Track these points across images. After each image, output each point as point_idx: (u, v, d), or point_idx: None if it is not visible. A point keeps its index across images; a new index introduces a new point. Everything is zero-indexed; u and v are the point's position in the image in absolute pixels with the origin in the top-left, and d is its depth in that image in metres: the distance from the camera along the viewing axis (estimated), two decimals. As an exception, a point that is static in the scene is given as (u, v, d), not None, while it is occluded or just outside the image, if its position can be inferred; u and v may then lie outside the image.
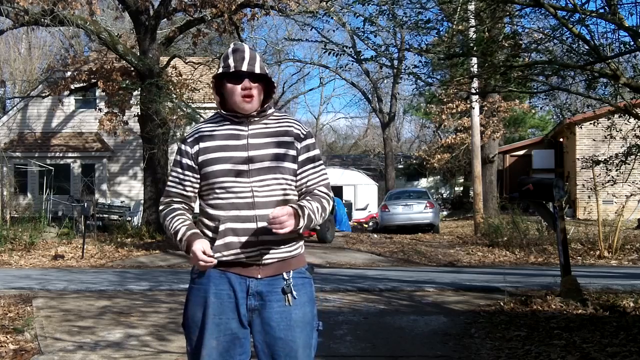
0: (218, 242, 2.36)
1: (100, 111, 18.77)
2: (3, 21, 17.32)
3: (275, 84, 2.57)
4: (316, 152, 2.52)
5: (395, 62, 20.13)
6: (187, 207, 2.50)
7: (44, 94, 20.96)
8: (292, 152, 2.44)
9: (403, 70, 9.11)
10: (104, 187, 23.42)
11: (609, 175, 10.47)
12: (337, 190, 24.97)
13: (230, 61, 2.40)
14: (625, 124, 9.93)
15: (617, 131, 9.93)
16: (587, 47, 6.15)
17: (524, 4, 6.18)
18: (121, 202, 23.19)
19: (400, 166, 35.14)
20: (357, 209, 26.48)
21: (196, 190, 2.49)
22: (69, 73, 19.16)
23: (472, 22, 8.09)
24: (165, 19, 18.49)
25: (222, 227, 2.36)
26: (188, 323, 2.44)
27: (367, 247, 15.38)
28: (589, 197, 18.93)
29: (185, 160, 2.46)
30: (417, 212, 19.44)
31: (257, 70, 2.40)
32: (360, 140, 49.56)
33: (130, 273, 11.09)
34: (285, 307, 2.39)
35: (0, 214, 17.64)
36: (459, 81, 8.96)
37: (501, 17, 7.62)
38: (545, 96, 10.16)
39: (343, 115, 71.31)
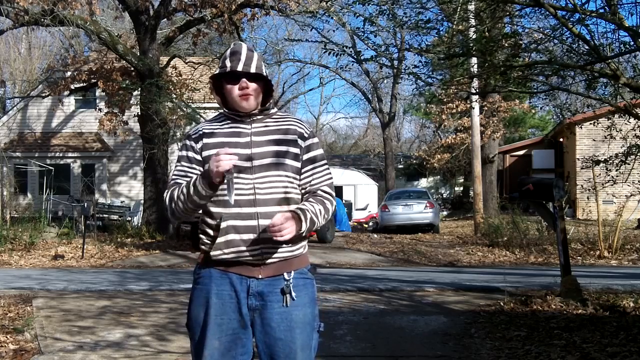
0: (219, 240, 2.35)
1: (100, 111, 18.78)
2: (3, 21, 17.33)
3: (272, 82, 2.58)
4: (320, 151, 2.52)
5: (395, 62, 20.14)
6: None
7: (44, 94, 20.97)
8: (295, 150, 2.44)
9: (403, 70, 9.11)
10: (104, 187, 23.42)
11: (608, 175, 10.47)
12: (337, 190, 24.91)
13: (227, 62, 2.42)
14: (625, 124, 9.93)
15: (617, 131, 9.94)
16: (587, 47, 6.15)
17: (524, 4, 6.18)
18: (121, 202, 23.19)
19: (400, 166, 35.14)
20: (357, 209, 26.48)
21: None
22: (69, 73, 19.18)
23: (472, 22, 8.10)
24: (165, 19, 18.50)
25: (223, 225, 2.35)
26: (191, 323, 2.45)
27: (367, 247, 15.38)
28: (587, 197, 18.93)
29: (192, 154, 2.46)
30: (417, 212, 19.44)
31: (253, 69, 2.40)
32: (360, 140, 49.57)
33: (130, 273, 11.09)
34: (286, 307, 2.39)
35: (0, 214, 17.65)
36: (459, 81, 8.96)
37: (501, 17, 7.62)
38: (545, 96, 10.17)
39: (343, 115, 71.45)
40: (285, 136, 2.45)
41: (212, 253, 2.38)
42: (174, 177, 2.49)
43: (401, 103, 37.09)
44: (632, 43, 5.89)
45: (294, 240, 2.39)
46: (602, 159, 10.13)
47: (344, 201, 23.40)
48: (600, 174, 11.72)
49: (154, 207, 17.38)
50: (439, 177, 34.56)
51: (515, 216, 15.01)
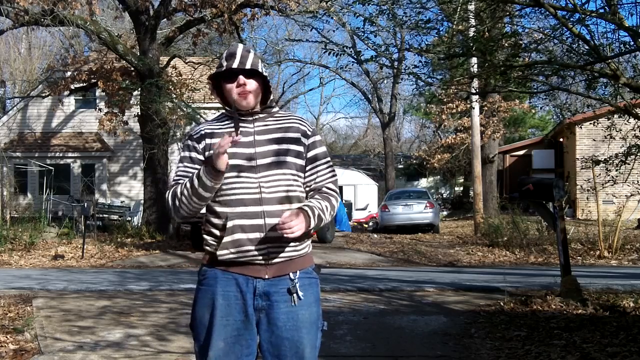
0: (226, 239, 2.35)
1: (100, 111, 18.78)
2: (3, 21, 17.33)
3: (272, 82, 2.57)
4: (323, 149, 2.53)
5: (395, 62, 20.14)
6: None
7: (44, 94, 20.98)
8: (299, 148, 2.44)
9: (403, 70, 9.12)
10: (104, 187, 23.42)
11: (608, 175, 10.47)
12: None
13: (224, 62, 2.43)
14: (625, 124, 9.93)
15: (617, 131, 9.94)
16: (587, 47, 6.15)
17: (524, 4, 6.18)
18: (121, 202, 23.19)
19: (400, 166, 35.14)
20: (357, 209, 26.48)
21: None
22: (69, 73, 19.17)
23: (472, 22, 8.10)
24: (165, 19, 18.49)
25: (229, 224, 2.34)
26: (196, 324, 2.44)
27: (367, 247, 15.38)
28: (587, 198, 18.93)
29: (194, 155, 2.46)
30: (417, 212, 19.44)
31: (248, 66, 2.41)
32: (360, 140, 49.55)
33: (130, 273, 11.09)
34: (293, 307, 2.39)
35: (0, 214, 17.65)
36: (459, 81, 8.96)
37: (501, 17, 7.62)
38: (545, 96, 10.17)
39: (343, 115, 71.41)
40: (289, 134, 2.45)
41: (218, 253, 2.37)
42: (176, 177, 2.47)
43: (401, 103, 37.10)
44: (632, 43, 5.89)
45: (301, 238, 2.38)
46: (602, 159, 10.14)
47: (344, 201, 23.39)
48: (600, 174, 11.71)
49: (154, 207, 17.38)
50: (439, 177, 34.56)
51: (515, 216, 15.01)
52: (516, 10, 7.25)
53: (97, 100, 22.19)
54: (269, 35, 36.75)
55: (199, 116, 18.04)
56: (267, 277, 2.39)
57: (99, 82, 17.50)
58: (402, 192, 22.45)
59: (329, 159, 2.54)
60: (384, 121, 31.39)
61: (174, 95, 17.50)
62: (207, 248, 2.44)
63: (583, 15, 5.66)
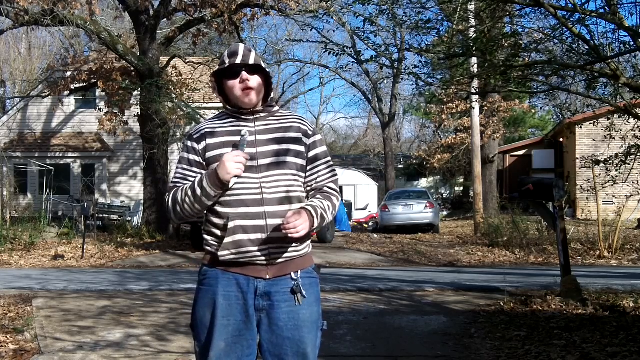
0: (227, 240, 2.34)
1: (100, 111, 18.78)
2: (3, 21, 17.33)
3: (272, 82, 2.58)
4: (324, 148, 2.52)
5: (395, 62, 20.14)
6: None
7: (44, 94, 20.97)
8: (300, 148, 2.44)
9: (403, 71, 9.12)
10: (104, 187, 23.42)
11: (608, 175, 10.46)
12: (337, 190, 24.93)
13: (226, 59, 2.43)
14: (625, 124, 9.92)
15: (616, 131, 9.93)
16: (587, 47, 6.15)
17: (524, 4, 6.18)
18: (121, 202, 23.19)
19: (400, 166, 35.14)
20: (357, 209, 26.48)
21: None
22: (69, 73, 19.16)
23: (472, 22, 8.10)
24: (165, 19, 18.49)
25: (231, 225, 2.34)
26: (196, 324, 2.44)
27: (367, 247, 15.38)
28: (587, 198, 18.93)
29: (192, 157, 2.45)
30: (417, 212, 19.44)
31: (251, 61, 2.41)
32: (360, 140, 49.55)
33: (130, 273, 11.09)
34: (294, 307, 2.39)
35: (0, 214, 17.65)
36: (459, 81, 8.96)
37: (501, 17, 7.62)
38: (545, 96, 10.18)
39: (343, 115, 71.44)
40: (289, 134, 2.45)
41: (219, 253, 2.36)
42: (174, 179, 2.48)
43: (401, 103, 37.09)
44: (632, 43, 5.89)
45: (303, 238, 2.38)
46: (602, 159, 10.13)
47: (344, 201, 23.39)
48: (600, 174, 11.71)
49: (154, 207, 17.37)
50: (439, 177, 34.55)
51: (515, 216, 15.01)
52: (516, 10, 7.25)
53: (97, 100, 22.19)
54: (269, 35, 36.83)
55: (199, 116, 18.04)
56: (268, 277, 2.38)
57: (99, 82, 17.49)
58: (402, 192, 22.45)
59: (329, 158, 2.54)
60: (384, 121, 31.39)
61: (174, 95, 17.50)
62: (208, 248, 2.44)
63: (583, 15, 5.66)
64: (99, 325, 6.29)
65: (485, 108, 20.55)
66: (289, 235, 2.26)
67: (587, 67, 6.29)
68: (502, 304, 6.91)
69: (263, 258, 2.36)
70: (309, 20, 19.61)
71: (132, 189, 23.63)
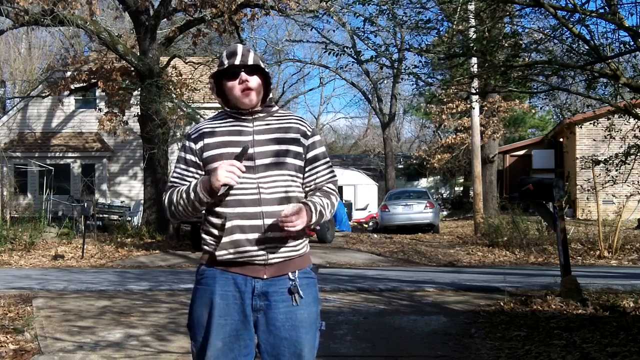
0: (224, 240, 2.35)
1: (100, 111, 18.78)
2: (3, 21, 17.33)
3: (272, 82, 2.58)
4: (322, 149, 2.52)
5: (395, 62, 20.13)
6: None
7: (44, 94, 20.97)
8: (298, 149, 2.44)
9: (403, 70, 9.12)
10: (104, 187, 23.42)
11: (608, 175, 10.47)
12: (337, 190, 24.95)
13: (225, 60, 2.43)
14: (625, 124, 9.93)
15: (616, 131, 9.93)
16: (587, 47, 6.15)
17: (524, 4, 6.18)
18: (121, 202, 23.19)
19: (400, 166, 35.13)
20: (357, 209, 26.47)
21: None
22: (69, 73, 19.16)
23: (472, 22, 8.10)
24: (165, 19, 18.50)
25: (228, 224, 2.34)
26: (193, 324, 2.44)
27: (367, 247, 15.38)
28: (587, 198, 18.93)
29: (189, 157, 2.46)
30: (417, 212, 19.44)
31: (250, 61, 2.41)
32: (360, 140, 49.53)
33: (130, 273, 11.09)
34: (291, 307, 2.38)
35: (0, 214, 17.65)
36: (459, 81, 8.96)
37: (501, 17, 7.62)
38: (545, 96, 10.18)
39: (343, 115, 71.39)
40: (288, 135, 2.44)
41: (217, 253, 2.37)
42: (171, 179, 2.49)
43: (401, 103, 37.08)
44: (632, 43, 5.89)
45: (299, 234, 2.39)
46: (602, 159, 10.14)
47: (344, 201, 23.39)
48: (600, 174, 11.71)
49: (154, 207, 17.37)
50: (439, 177, 34.54)
51: (515, 216, 15.01)
52: (516, 10, 7.26)
53: (97, 100, 22.19)
54: (269, 35, 36.80)
55: (199, 116, 18.05)
56: (265, 277, 2.39)
57: (99, 82, 17.50)
58: (402, 192, 22.45)
59: (328, 159, 2.54)
60: (384, 121, 31.38)
61: (174, 95, 17.51)
62: (206, 247, 2.44)
63: (583, 15, 5.67)
64: (99, 325, 6.29)
65: (485, 108, 20.55)
66: (285, 227, 2.26)
67: (587, 67, 6.29)
68: (502, 304, 6.91)
69: (260, 258, 2.36)
70: (309, 20, 19.60)
71: (132, 189, 23.63)
